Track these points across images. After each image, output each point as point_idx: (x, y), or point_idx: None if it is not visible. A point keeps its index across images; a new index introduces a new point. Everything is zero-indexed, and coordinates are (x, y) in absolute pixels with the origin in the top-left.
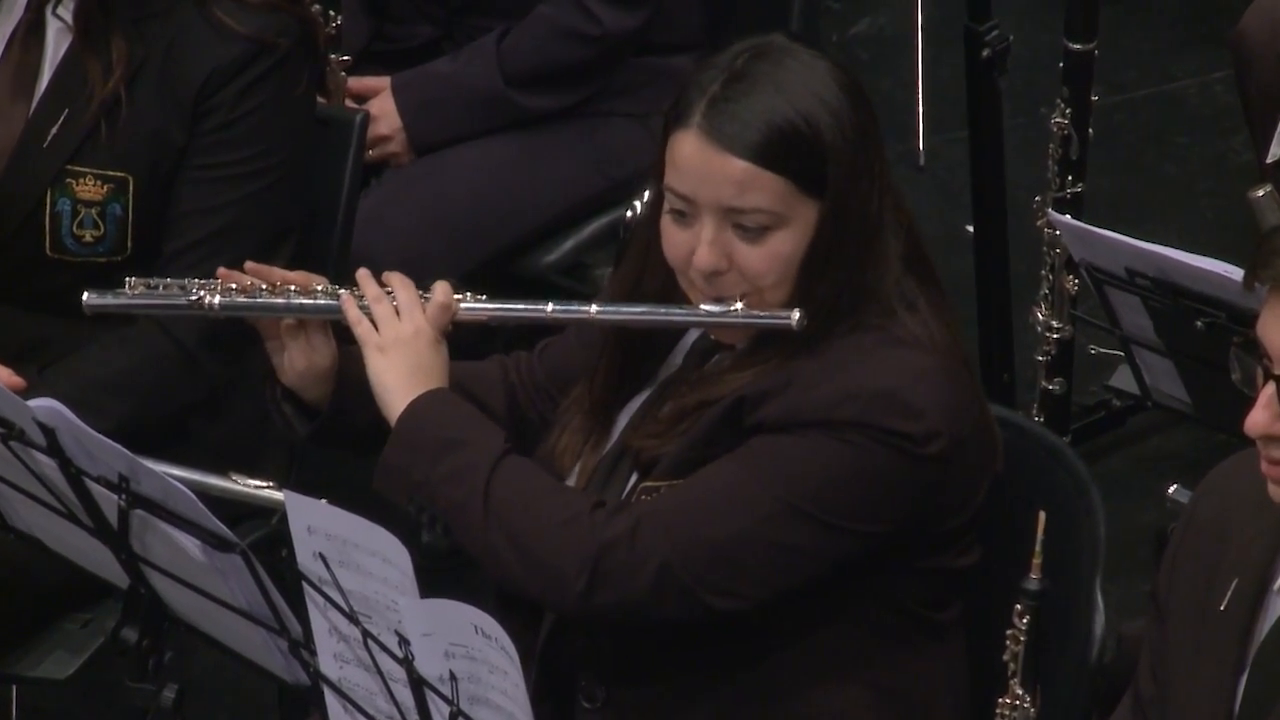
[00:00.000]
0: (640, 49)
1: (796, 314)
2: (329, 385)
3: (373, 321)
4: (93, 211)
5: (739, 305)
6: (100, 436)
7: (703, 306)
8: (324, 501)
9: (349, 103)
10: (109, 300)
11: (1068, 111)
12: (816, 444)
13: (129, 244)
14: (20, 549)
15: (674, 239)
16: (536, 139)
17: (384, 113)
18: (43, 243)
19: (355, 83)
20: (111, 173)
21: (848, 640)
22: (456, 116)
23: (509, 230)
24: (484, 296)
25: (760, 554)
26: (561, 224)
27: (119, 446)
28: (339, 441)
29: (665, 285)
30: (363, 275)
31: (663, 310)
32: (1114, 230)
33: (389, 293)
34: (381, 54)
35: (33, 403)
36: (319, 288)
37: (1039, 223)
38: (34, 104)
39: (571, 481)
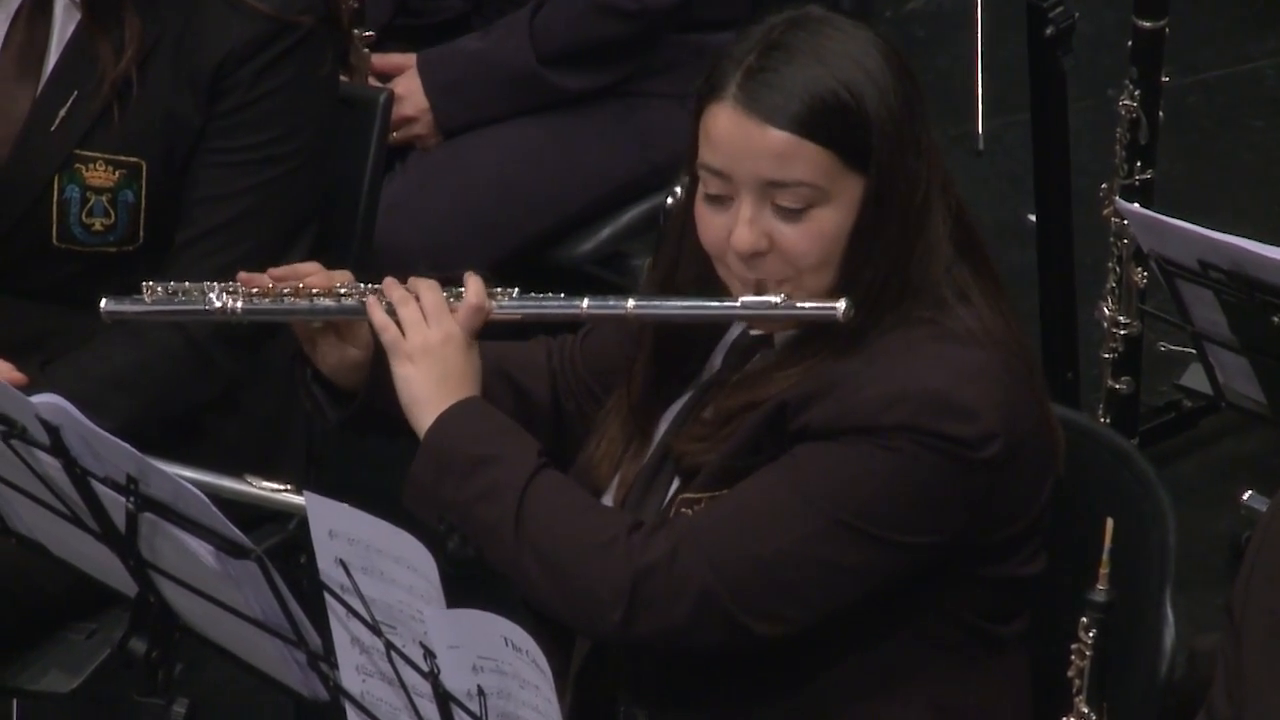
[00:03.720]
0: (681, 25)
1: (843, 304)
2: (363, 373)
3: (400, 327)
4: (103, 198)
5: (781, 296)
6: (107, 435)
7: (744, 299)
8: (346, 505)
9: (372, 81)
10: (127, 307)
11: (1136, 93)
12: (862, 452)
13: (141, 233)
14: (22, 554)
15: (710, 223)
16: (571, 121)
17: (409, 92)
18: (49, 231)
19: (379, 60)
20: (123, 158)
21: (904, 655)
22: (486, 96)
23: (541, 218)
24: (514, 291)
25: (806, 574)
26: (597, 211)
27: (127, 446)
28: (372, 427)
29: (702, 276)
30: (389, 282)
31: (702, 304)
32: (1185, 219)
33: (416, 296)
34: (407, 29)
35: (36, 399)
36: (342, 288)
37: (1105, 212)
38: (40, 85)
39: (611, 491)
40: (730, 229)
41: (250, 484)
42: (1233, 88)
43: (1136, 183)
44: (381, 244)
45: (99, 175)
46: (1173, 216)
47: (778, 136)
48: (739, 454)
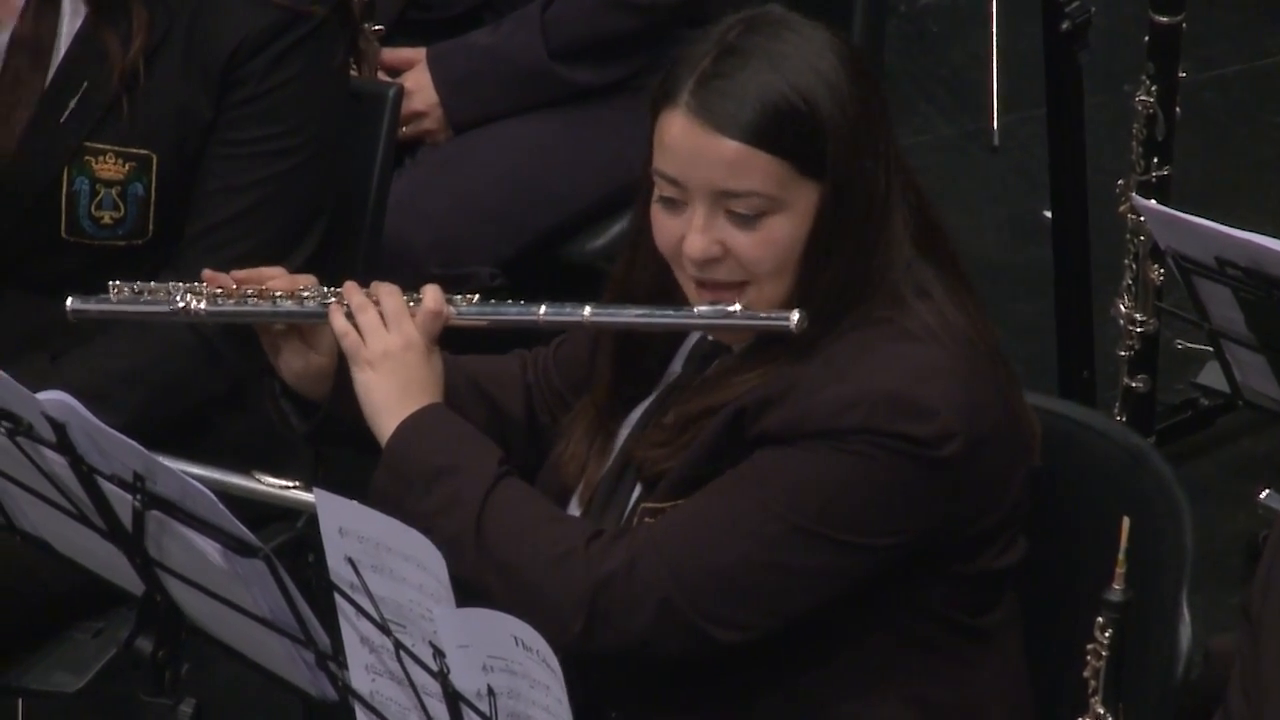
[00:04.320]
0: (693, 20)
1: (796, 315)
2: (327, 384)
3: (360, 332)
4: (113, 191)
5: (737, 306)
6: (114, 432)
7: (699, 308)
8: (356, 502)
9: (382, 75)
10: (92, 306)
11: (1153, 89)
12: (821, 457)
13: (150, 226)
14: (27, 552)
15: (664, 227)
16: (582, 116)
17: (419, 87)
18: (58, 224)
19: (389, 54)
20: (134, 150)
21: (885, 655)
22: (497, 91)
23: (552, 214)
24: (475, 298)
25: (768, 580)
26: (609, 207)
27: (134, 443)
28: (339, 440)
29: (658, 280)
30: (350, 286)
31: (659, 313)
32: (1203, 216)
33: (376, 302)
34: (417, 23)
35: (42, 395)
36: (306, 292)
37: (1122, 208)
38: (49, 77)
39: (577, 493)
40: (684, 234)
41: (258, 481)
42: (1250, 83)
43: (1153, 179)
44: (390, 240)
45: (109, 168)
46: (1190, 213)
47: (730, 146)
48: (699, 461)
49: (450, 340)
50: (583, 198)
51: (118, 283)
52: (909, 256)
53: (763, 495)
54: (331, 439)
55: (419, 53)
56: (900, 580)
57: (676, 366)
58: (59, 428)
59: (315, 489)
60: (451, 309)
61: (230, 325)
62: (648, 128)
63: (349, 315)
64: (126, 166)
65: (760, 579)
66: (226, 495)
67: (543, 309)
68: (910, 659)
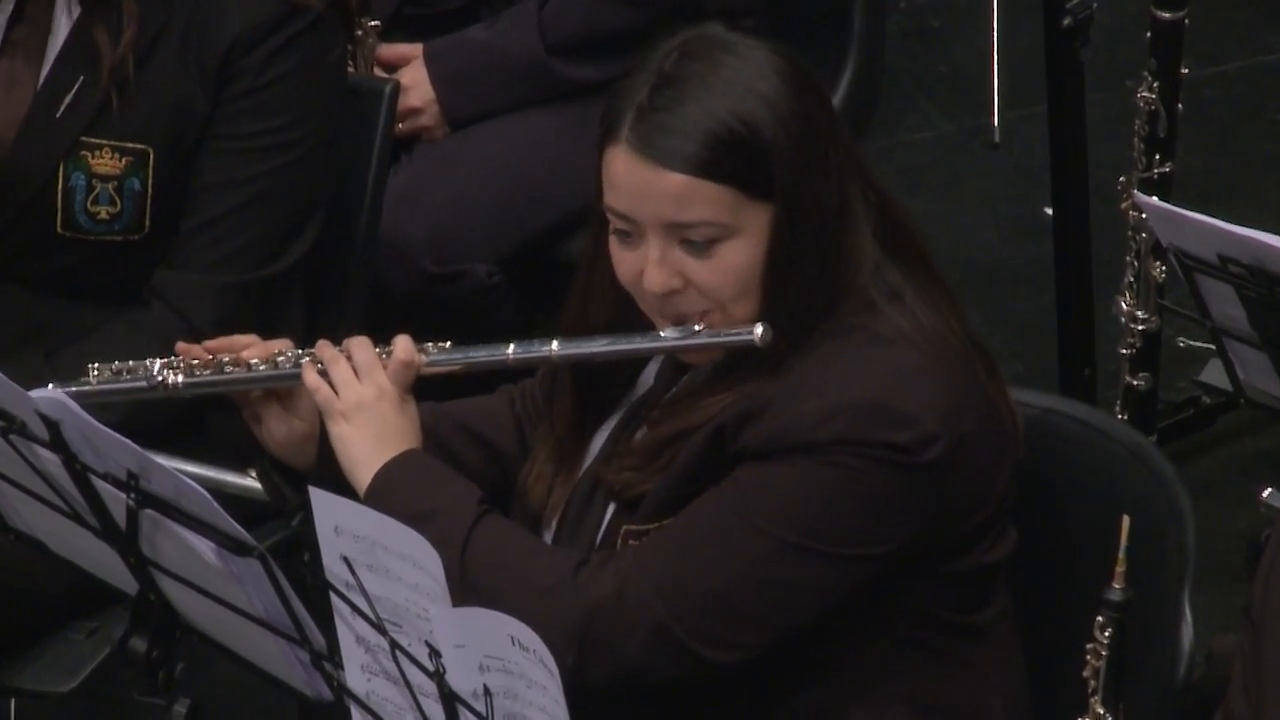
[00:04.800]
0: (693, 14)
1: (759, 329)
2: (313, 449)
3: (333, 386)
4: (109, 186)
5: (700, 326)
6: (108, 430)
7: (663, 332)
8: (352, 501)
9: (378, 72)
10: (71, 389)
11: (1155, 85)
12: (803, 470)
13: (147, 222)
14: (20, 551)
15: (623, 261)
16: (580, 112)
17: (416, 83)
18: (54, 219)
19: (385, 50)
20: (130, 145)
21: (879, 660)
22: (494, 88)
23: (550, 211)
24: (448, 344)
25: (760, 599)
26: None
27: (128, 441)
28: None
29: (615, 309)
30: (321, 343)
31: (624, 340)
32: (1205, 213)
33: (348, 355)
34: (413, 19)
35: (35, 393)
36: (281, 356)
37: (1124, 205)
38: (44, 72)
39: (545, 515)
40: (642, 267)
41: (253, 479)
42: (1253, 79)
43: (1155, 176)
44: (387, 237)
45: (105, 163)
46: (1192, 210)
47: (675, 180)
48: (680, 482)
49: (437, 386)
50: (580, 195)
51: (96, 365)
52: (875, 260)
53: (747, 513)
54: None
55: (415, 48)
56: (892, 584)
57: (648, 379)
58: (52, 426)
59: (310, 487)
60: (423, 357)
61: (228, 316)
62: (595, 162)
63: (322, 372)
64: (123, 161)
65: (751, 597)
66: (221, 494)
67: (511, 348)
68: (908, 662)
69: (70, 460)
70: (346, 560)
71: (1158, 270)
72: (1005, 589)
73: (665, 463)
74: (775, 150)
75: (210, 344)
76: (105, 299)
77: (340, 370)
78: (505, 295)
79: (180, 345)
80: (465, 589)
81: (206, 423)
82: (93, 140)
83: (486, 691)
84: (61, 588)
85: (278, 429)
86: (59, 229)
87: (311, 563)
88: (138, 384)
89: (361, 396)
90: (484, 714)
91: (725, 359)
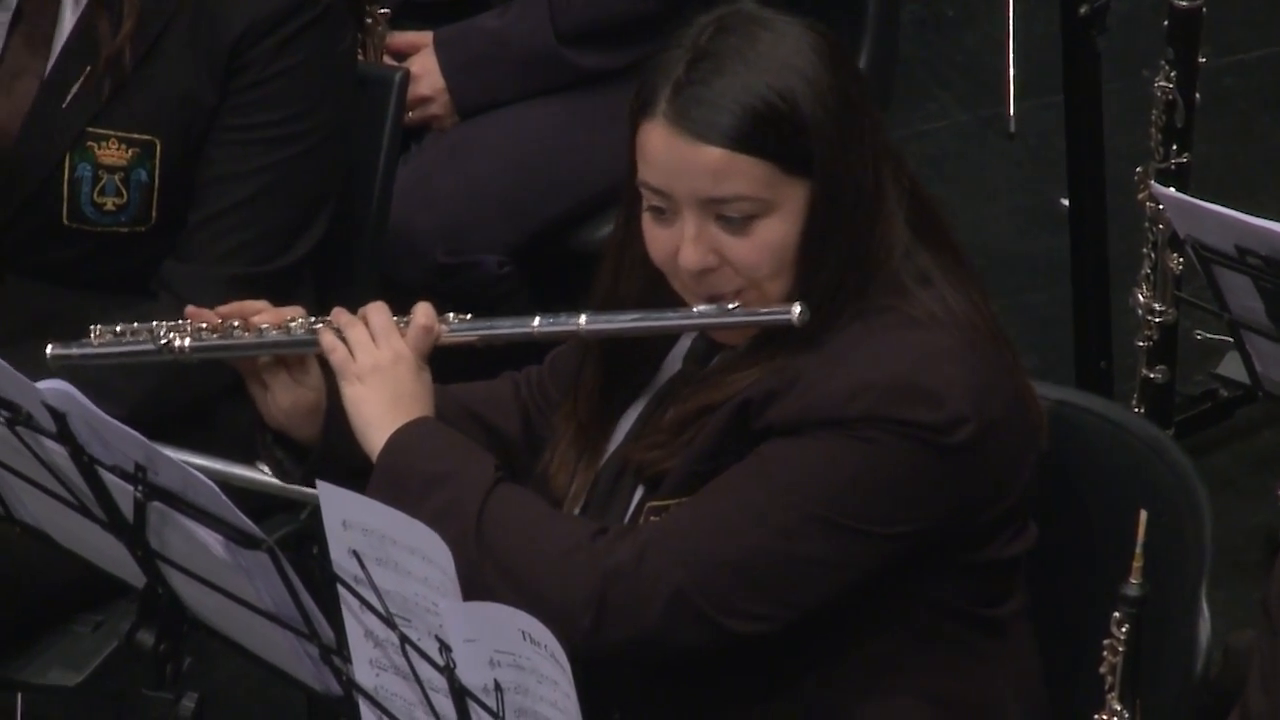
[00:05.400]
0: (706, 1)
1: (797, 308)
2: (318, 422)
3: (349, 350)
4: (115, 177)
5: (736, 304)
6: (115, 422)
7: (697, 308)
8: (360, 494)
9: (388, 60)
10: (74, 351)
11: (1173, 74)
12: (830, 445)
13: (153, 213)
14: (27, 544)
15: (656, 237)
16: (591, 101)
17: (425, 71)
18: (60, 210)
19: (395, 38)
20: (137, 136)
21: (895, 649)
22: (504, 76)
23: (561, 200)
24: (468, 316)
25: (781, 570)
26: (619, 194)
27: (135, 433)
28: (337, 479)
29: (646, 287)
30: (337, 310)
31: (655, 316)
32: (1222, 204)
33: (364, 319)
34: (423, 7)
35: (42, 384)
36: (294, 322)
37: (1140, 196)
38: (51, 60)
39: (568, 500)
40: (677, 244)
41: (262, 472)
42: (1271, 69)
43: (1172, 166)
44: (397, 227)
45: (111, 153)
46: (1209, 201)
47: (713, 154)
48: (703, 457)
49: (439, 366)
50: (592, 184)
51: (99, 326)
52: (907, 243)
53: (773, 485)
54: (328, 479)
55: (425, 36)
56: (911, 572)
57: (676, 364)
58: (59, 417)
59: (318, 480)
60: (443, 326)
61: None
62: (629, 138)
63: (338, 335)
64: (130, 152)
65: (773, 568)
66: (229, 486)
67: (537, 320)
68: (924, 653)
69: (77, 452)
70: (356, 554)
71: (1175, 262)
72: (1024, 586)
73: (689, 439)
74: (813, 126)
75: (221, 309)
76: (112, 290)
77: (358, 333)
78: (516, 286)
79: (190, 309)
80: (481, 552)
81: (215, 415)
82: (99, 131)
83: (497, 686)
84: (68, 581)
85: (284, 398)
86: (65, 220)
87: (320, 556)
88: (143, 346)
89: (378, 359)
90: (495, 709)
91: (756, 338)
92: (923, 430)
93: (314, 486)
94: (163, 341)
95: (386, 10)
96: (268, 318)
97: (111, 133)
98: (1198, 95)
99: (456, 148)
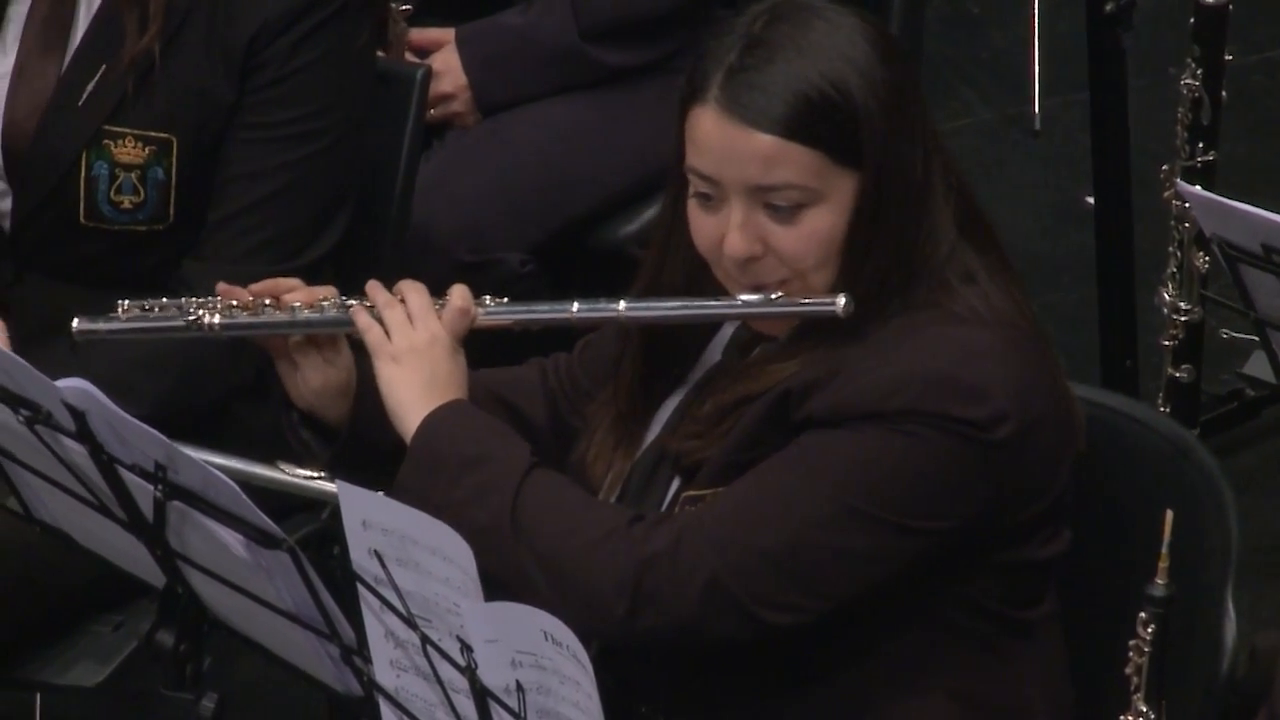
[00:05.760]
0: (728, 0)
1: (842, 299)
2: (347, 402)
3: (385, 330)
4: (132, 175)
5: (779, 294)
6: (135, 421)
7: (740, 297)
8: (380, 494)
9: (409, 56)
10: (99, 325)
11: (1199, 72)
12: (871, 437)
13: (171, 211)
14: (46, 544)
15: (701, 225)
16: (615, 98)
17: (448, 68)
18: (77, 209)
19: (416, 35)
20: (153, 134)
21: (924, 648)
22: (527, 73)
23: (583, 198)
24: (505, 300)
25: (817, 561)
26: (641, 192)
27: (155, 432)
28: (364, 463)
29: (691, 275)
30: (373, 285)
31: (697, 304)
32: (1249, 202)
33: (401, 300)
34: (446, 3)
35: (62, 383)
36: (326, 301)
37: (1166, 194)
38: (67, 58)
39: (604, 490)
40: (722, 232)
41: (282, 471)
42: None
43: (1198, 164)
44: (418, 225)
45: (128, 152)
46: (1236, 199)
47: (763, 140)
48: (742, 447)
49: (469, 352)
50: (615, 182)
51: (126, 301)
52: (953, 240)
53: (812, 476)
54: (356, 463)
55: (447, 33)
56: (946, 569)
57: (715, 355)
58: (79, 416)
59: (338, 480)
60: (479, 309)
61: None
62: (677, 124)
63: (373, 314)
64: (146, 150)
65: (809, 559)
66: (249, 486)
67: (575, 305)
68: (954, 653)
69: (97, 451)
70: (377, 554)
71: (1201, 260)
72: (1055, 590)
73: (728, 428)
74: (865, 117)
75: (254, 286)
76: (132, 289)
77: (394, 313)
78: (538, 284)
79: (221, 286)
80: (516, 536)
81: (234, 415)
82: (115, 129)
83: (519, 687)
84: (87, 580)
85: (314, 378)
86: (82, 219)
87: (341, 556)
88: (171, 323)
89: (414, 340)
90: (517, 710)
91: (798, 330)
92: (964, 425)
93: (339, 469)
94: (191, 317)
95: (409, 7)
96: (300, 296)
97: (128, 131)
98: (1224, 93)
99: (479, 145)
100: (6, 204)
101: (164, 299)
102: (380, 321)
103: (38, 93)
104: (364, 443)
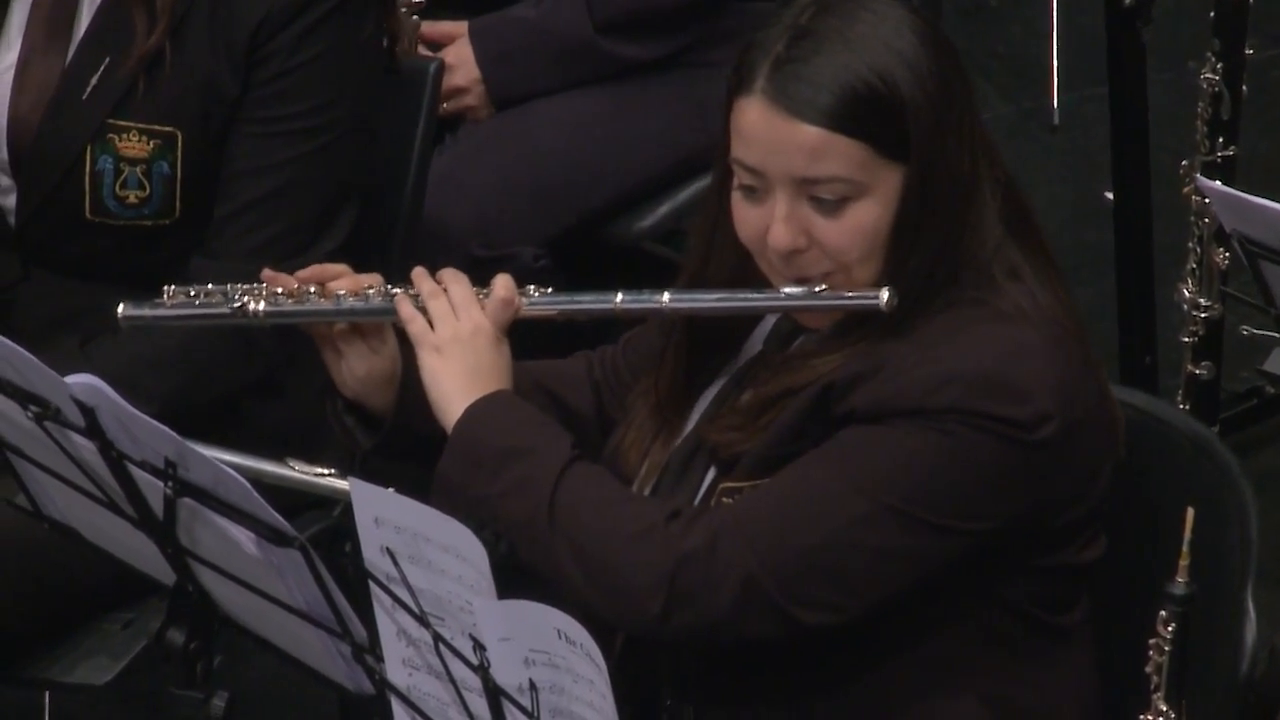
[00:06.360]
0: None
1: (885, 293)
2: (392, 391)
3: (428, 320)
4: (137, 170)
5: (823, 286)
6: (145, 417)
7: (784, 290)
8: (392, 490)
9: (422, 50)
10: (145, 312)
11: (1219, 66)
12: (912, 435)
13: (177, 206)
14: (56, 541)
15: (746, 217)
16: (629, 92)
17: (460, 61)
18: (82, 204)
19: (429, 28)
20: (158, 127)
21: (959, 649)
22: (540, 66)
23: (598, 193)
24: (549, 290)
25: (854, 561)
26: (656, 186)
27: (165, 429)
28: (407, 452)
29: (736, 267)
30: (418, 273)
31: (740, 295)
32: (1269, 198)
33: (444, 290)
34: None
35: (71, 379)
36: (371, 289)
37: (1186, 190)
38: (71, 51)
39: (639, 479)
40: (767, 224)
41: (293, 468)
42: None
43: (1218, 159)
44: (430, 220)
45: (132, 146)
46: (1256, 194)
47: (809, 132)
48: (781, 441)
49: (513, 344)
50: (629, 177)
51: (172, 287)
52: (999, 237)
53: (851, 473)
54: (399, 452)
55: (460, 26)
56: (983, 571)
57: (755, 347)
58: (88, 412)
59: (350, 478)
60: (523, 299)
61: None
62: (723, 115)
63: (417, 305)
64: (151, 144)
65: (847, 559)
66: (260, 483)
67: (619, 296)
68: (988, 656)
69: (106, 447)
70: (389, 551)
71: (1220, 256)
72: (1089, 597)
73: (768, 421)
74: (912, 110)
75: (300, 273)
76: (140, 285)
77: (439, 304)
78: (552, 279)
79: (266, 273)
80: (553, 529)
81: (244, 411)
82: (119, 123)
83: (532, 686)
84: (97, 578)
85: (359, 366)
86: (88, 214)
87: (353, 554)
88: (217, 310)
89: (458, 331)
90: (529, 709)
91: (841, 323)
92: (1006, 425)
93: (382, 458)
94: (236, 304)
95: (421, 0)
96: (345, 283)
97: (132, 124)
98: (1244, 87)
99: (492, 139)
100: (11, 200)
101: (209, 285)
102: (424, 311)
103: (42, 87)
104: (408, 433)
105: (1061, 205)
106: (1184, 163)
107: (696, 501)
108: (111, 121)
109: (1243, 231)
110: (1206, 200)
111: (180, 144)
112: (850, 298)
